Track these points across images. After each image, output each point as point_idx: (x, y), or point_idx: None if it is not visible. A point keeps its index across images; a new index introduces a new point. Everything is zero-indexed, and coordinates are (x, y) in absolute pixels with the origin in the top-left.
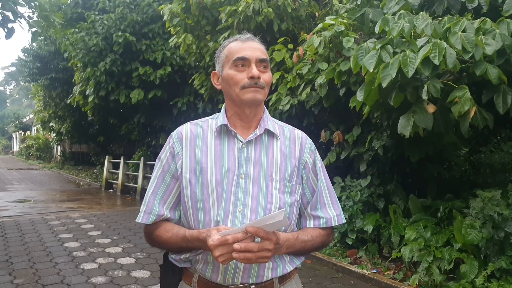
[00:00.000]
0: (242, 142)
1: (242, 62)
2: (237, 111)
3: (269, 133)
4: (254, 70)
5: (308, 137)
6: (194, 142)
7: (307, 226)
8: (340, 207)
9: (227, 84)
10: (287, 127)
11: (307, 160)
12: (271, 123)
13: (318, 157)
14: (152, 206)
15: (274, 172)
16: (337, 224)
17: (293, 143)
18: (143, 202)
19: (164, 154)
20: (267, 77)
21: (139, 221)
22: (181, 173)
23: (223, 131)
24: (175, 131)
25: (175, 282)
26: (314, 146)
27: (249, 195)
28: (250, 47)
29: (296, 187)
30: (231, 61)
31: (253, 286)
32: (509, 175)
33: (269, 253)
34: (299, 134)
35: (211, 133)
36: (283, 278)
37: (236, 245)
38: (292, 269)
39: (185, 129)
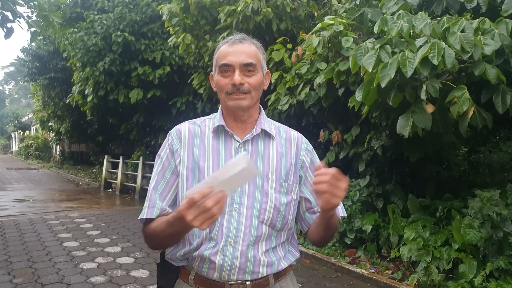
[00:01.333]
0: (239, 142)
1: (226, 68)
2: (230, 113)
3: (265, 134)
4: (236, 77)
5: (304, 137)
6: (192, 140)
7: (309, 222)
8: (341, 203)
9: (217, 88)
10: (283, 128)
11: (304, 159)
12: (267, 123)
13: (316, 157)
14: (155, 201)
15: (270, 172)
16: (341, 215)
17: (289, 143)
18: (147, 198)
19: (164, 151)
20: (253, 80)
21: (144, 217)
22: (179, 169)
23: (220, 131)
24: (173, 129)
25: (172, 280)
26: (310, 146)
27: (245, 194)
28: (235, 51)
29: (292, 186)
30: (218, 67)
31: (249, 282)
32: (507, 175)
33: (344, 186)
34: (294, 134)
35: (209, 132)
36: (278, 275)
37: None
38: (287, 265)
39: (183, 127)
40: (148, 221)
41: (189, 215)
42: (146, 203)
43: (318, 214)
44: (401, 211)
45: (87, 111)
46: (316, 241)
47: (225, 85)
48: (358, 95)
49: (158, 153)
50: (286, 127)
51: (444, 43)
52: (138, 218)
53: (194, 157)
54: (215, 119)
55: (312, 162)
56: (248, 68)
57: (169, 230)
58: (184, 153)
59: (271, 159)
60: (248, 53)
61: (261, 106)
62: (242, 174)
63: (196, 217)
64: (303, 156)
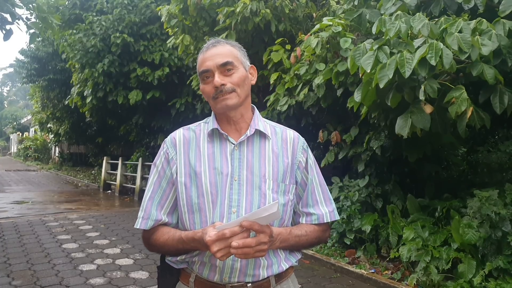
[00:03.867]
0: (233, 144)
1: (207, 74)
2: (222, 116)
3: (260, 134)
4: (216, 80)
5: (300, 136)
6: (188, 146)
7: (300, 222)
8: (334, 205)
9: (205, 97)
10: (279, 127)
11: (300, 159)
12: (262, 123)
13: (311, 155)
14: (150, 212)
15: (267, 173)
16: (329, 220)
17: (285, 143)
18: (141, 208)
19: (159, 160)
20: (234, 78)
21: (138, 227)
22: (176, 177)
23: (215, 134)
24: (168, 137)
25: (173, 283)
26: (306, 144)
27: (243, 196)
28: (211, 55)
29: (289, 187)
30: (199, 76)
31: (250, 284)
32: (506, 174)
33: (265, 246)
34: (290, 133)
35: (204, 137)
36: (280, 277)
37: (234, 243)
38: (288, 267)
39: (178, 134)
40: (151, 230)
41: (215, 247)
42: (140, 213)
43: (301, 216)
44: (400, 211)
45: (86, 112)
46: None
47: (209, 91)
48: (357, 96)
49: (154, 161)
50: (282, 126)
51: (442, 44)
52: (134, 227)
53: (191, 163)
54: (209, 123)
55: (307, 161)
56: (226, 67)
57: (180, 246)
58: (180, 160)
59: (267, 159)
60: (222, 53)
61: (255, 106)
62: (269, 216)
63: (220, 250)
64: (300, 156)
